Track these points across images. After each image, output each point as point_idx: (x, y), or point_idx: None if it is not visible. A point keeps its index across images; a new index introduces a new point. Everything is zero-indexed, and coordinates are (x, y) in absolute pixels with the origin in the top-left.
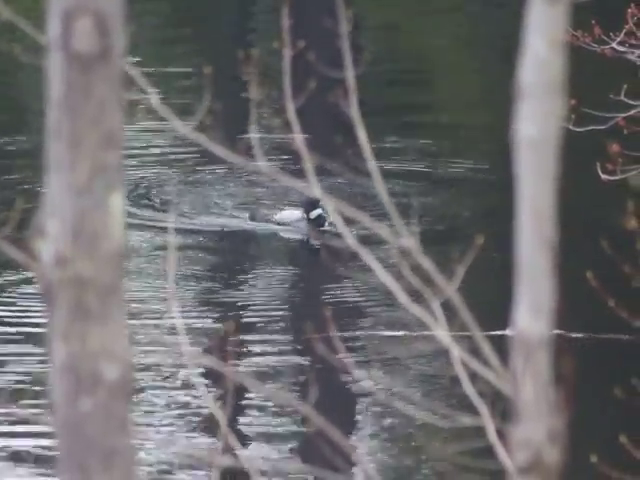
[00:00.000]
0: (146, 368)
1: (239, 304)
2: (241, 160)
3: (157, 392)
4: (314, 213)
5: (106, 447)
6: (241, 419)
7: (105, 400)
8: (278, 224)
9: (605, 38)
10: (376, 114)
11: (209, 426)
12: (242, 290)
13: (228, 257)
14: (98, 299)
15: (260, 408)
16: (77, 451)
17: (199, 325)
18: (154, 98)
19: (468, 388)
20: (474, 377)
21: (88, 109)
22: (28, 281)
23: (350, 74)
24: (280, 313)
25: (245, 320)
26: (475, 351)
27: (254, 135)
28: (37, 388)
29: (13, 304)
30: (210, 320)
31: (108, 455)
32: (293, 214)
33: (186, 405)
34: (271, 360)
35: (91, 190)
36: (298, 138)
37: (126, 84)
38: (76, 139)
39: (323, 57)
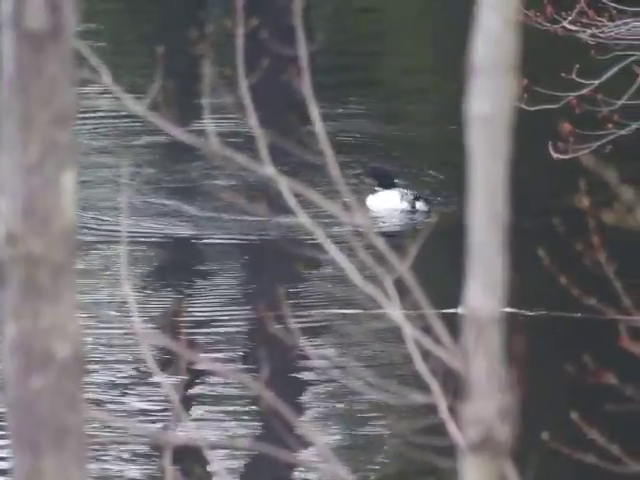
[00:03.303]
0: (98, 346)
1: (191, 285)
2: (192, 139)
3: (108, 370)
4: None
5: (57, 425)
6: (193, 397)
7: (56, 378)
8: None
9: (557, 17)
10: (328, 88)
11: (161, 405)
12: (194, 274)
13: (179, 257)
14: (49, 277)
15: (212, 386)
16: (28, 429)
17: (151, 308)
18: (106, 77)
19: (420, 366)
20: (426, 355)
21: (39, 87)
22: None
23: (303, 52)
24: (233, 292)
25: (197, 300)
26: (427, 329)
27: (206, 114)
28: None
29: None
30: (162, 303)
31: (59, 433)
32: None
33: (138, 383)
34: (224, 338)
35: (42, 168)
36: (252, 117)
37: (78, 62)
38: (27, 118)
39: (276, 35)
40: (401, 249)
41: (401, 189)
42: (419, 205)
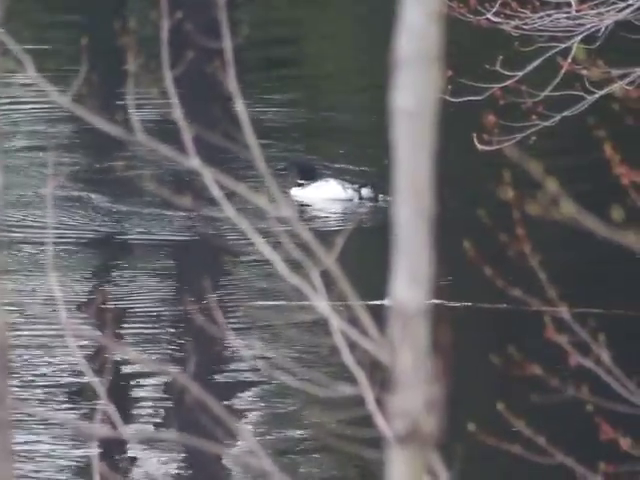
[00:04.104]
0: (24, 339)
1: (118, 277)
2: (119, 131)
3: (35, 363)
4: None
5: None
6: (120, 390)
7: None
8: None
9: (481, 9)
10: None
11: (88, 397)
12: (119, 269)
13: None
14: None
15: (139, 378)
16: None
17: (77, 299)
18: (31, 68)
19: (347, 357)
20: (353, 347)
21: None
22: None
23: (228, 45)
24: (160, 287)
25: (124, 292)
26: (354, 321)
27: (131, 106)
28: None
29: None
30: (88, 294)
31: None
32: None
33: (64, 376)
34: (149, 330)
35: None
36: (176, 108)
37: (2, 53)
38: None
39: (200, 27)
40: (348, 240)
41: (334, 179)
42: (365, 192)
